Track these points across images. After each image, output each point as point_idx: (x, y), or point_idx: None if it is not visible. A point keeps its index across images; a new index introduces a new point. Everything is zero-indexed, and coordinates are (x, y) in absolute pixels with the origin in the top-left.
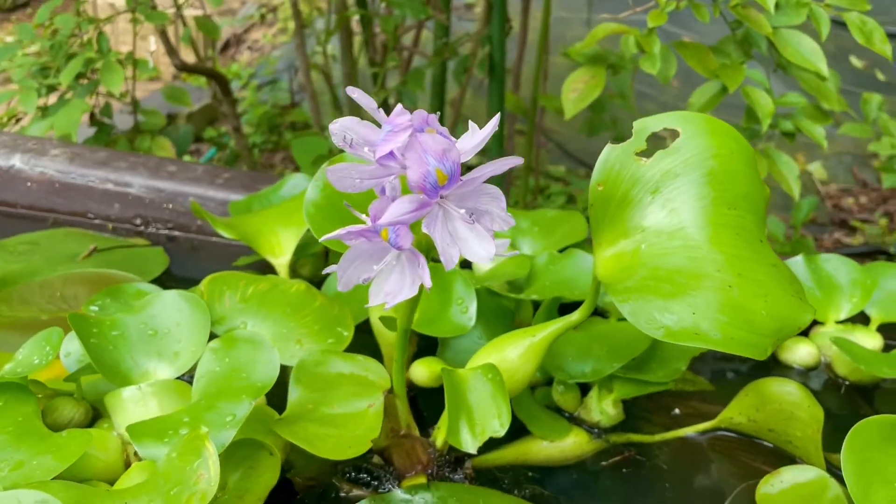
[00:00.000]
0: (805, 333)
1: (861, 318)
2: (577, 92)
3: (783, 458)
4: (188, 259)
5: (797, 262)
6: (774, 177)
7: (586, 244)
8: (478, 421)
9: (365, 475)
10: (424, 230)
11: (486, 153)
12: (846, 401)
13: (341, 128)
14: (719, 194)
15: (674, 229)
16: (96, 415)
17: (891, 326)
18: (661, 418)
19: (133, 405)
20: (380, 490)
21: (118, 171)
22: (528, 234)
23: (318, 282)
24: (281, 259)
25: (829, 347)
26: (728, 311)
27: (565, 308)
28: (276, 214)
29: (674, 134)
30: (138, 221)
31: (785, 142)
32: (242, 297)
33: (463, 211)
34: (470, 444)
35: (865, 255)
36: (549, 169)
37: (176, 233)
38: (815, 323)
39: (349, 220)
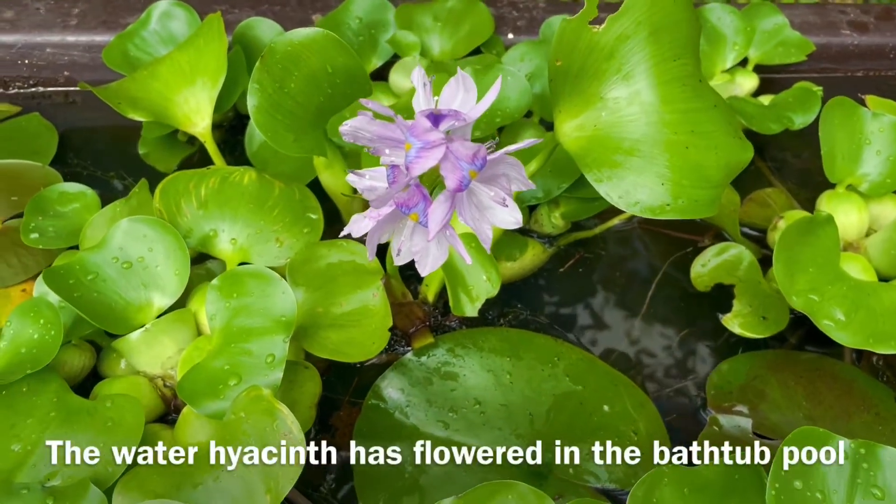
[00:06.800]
0: None
1: (741, 62)
2: None
3: (703, 227)
4: (72, 120)
5: None
6: None
7: (497, 40)
8: (472, 286)
9: None
10: (460, 220)
11: None
12: None
13: (352, 129)
14: (666, 49)
15: (630, 94)
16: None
17: (764, 67)
18: (595, 215)
19: (146, 346)
20: (394, 351)
21: None
22: (434, 32)
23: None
24: (200, 127)
25: None
26: (688, 173)
27: None
28: (171, 72)
29: None
30: None
31: None
32: (199, 203)
33: (487, 188)
34: (471, 310)
35: None
36: None
37: (42, 89)
38: None
39: (296, 114)
